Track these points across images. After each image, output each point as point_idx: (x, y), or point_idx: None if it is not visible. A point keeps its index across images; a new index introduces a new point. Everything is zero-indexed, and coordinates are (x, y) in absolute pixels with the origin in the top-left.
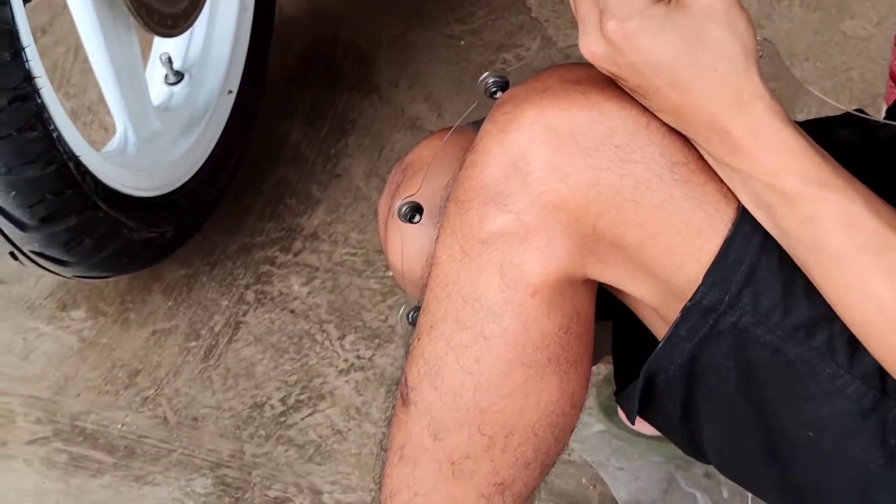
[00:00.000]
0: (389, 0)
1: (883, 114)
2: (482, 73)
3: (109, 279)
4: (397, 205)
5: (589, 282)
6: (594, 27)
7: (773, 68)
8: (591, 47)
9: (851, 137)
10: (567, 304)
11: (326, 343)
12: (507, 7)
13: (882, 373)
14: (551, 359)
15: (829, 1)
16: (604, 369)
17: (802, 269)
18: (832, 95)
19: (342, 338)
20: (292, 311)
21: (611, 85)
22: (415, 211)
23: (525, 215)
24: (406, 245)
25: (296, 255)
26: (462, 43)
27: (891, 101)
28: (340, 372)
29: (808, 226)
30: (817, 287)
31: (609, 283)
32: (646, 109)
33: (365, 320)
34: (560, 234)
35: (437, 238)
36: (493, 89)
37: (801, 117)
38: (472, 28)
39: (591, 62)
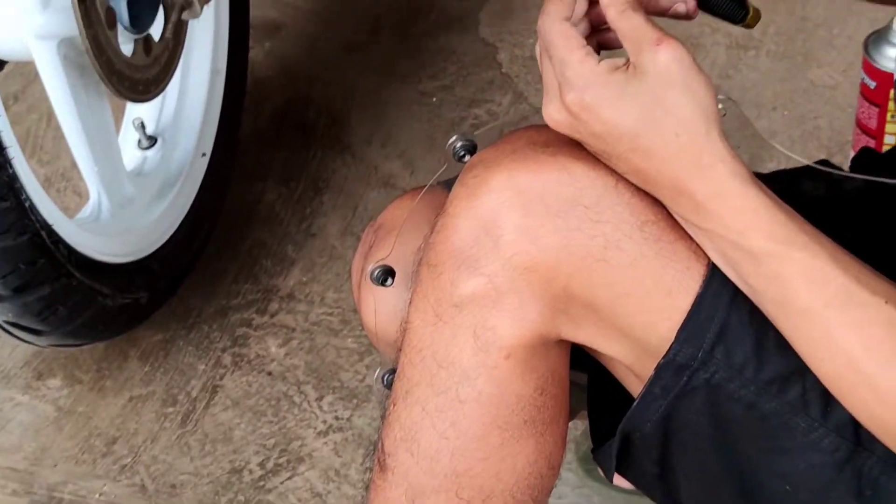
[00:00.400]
0: (361, 59)
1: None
2: (455, 130)
3: (85, 346)
4: (369, 268)
5: (562, 342)
6: (556, 96)
7: (736, 124)
8: (553, 116)
9: (816, 190)
10: (541, 366)
11: (304, 405)
12: (478, 63)
13: (856, 424)
14: (527, 421)
15: (795, 50)
16: (580, 424)
17: (773, 323)
18: (800, 144)
19: (320, 399)
20: (269, 374)
21: (579, 146)
22: (387, 274)
23: (497, 278)
24: (379, 307)
25: (272, 316)
26: (434, 100)
27: (857, 149)
28: (319, 433)
29: (775, 283)
30: (788, 341)
31: (582, 342)
32: (614, 170)
33: (342, 380)
34: (532, 295)
35: (409, 302)
36: (461, 153)
37: (773, 166)
38: (444, 84)
39: (554, 129)
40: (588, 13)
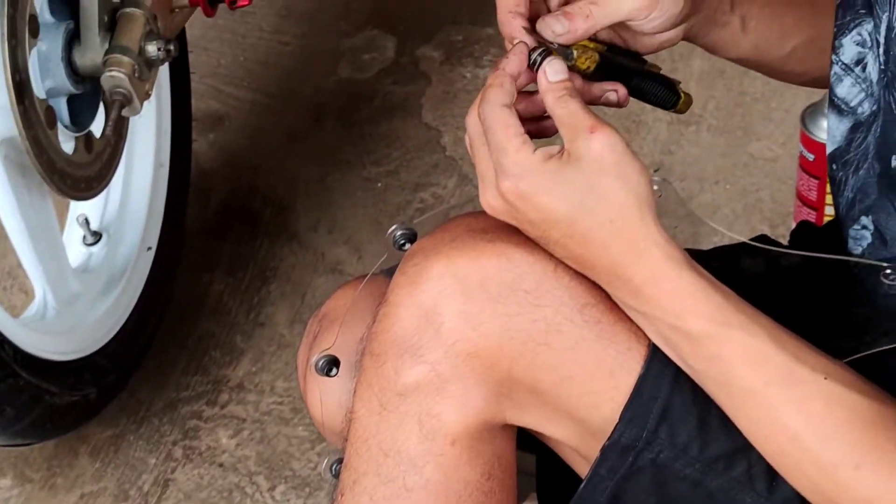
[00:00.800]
0: (305, 146)
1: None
2: (401, 214)
3: (34, 445)
4: (314, 359)
5: (508, 426)
6: (492, 183)
7: (672, 205)
8: (490, 203)
9: (754, 266)
10: (487, 451)
11: (257, 495)
12: (422, 147)
13: (801, 499)
14: None
15: (735, 124)
16: None
17: (715, 402)
18: (743, 217)
19: (272, 489)
20: (221, 465)
21: (517, 232)
22: (332, 364)
23: (440, 365)
24: (325, 397)
25: (222, 407)
26: (379, 185)
27: (798, 220)
28: None
29: (715, 364)
30: (731, 420)
31: (527, 426)
32: (553, 254)
33: (294, 469)
34: (476, 381)
35: (354, 392)
36: (402, 241)
37: (717, 240)
38: (389, 170)
39: (491, 215)
40: (526, 102)
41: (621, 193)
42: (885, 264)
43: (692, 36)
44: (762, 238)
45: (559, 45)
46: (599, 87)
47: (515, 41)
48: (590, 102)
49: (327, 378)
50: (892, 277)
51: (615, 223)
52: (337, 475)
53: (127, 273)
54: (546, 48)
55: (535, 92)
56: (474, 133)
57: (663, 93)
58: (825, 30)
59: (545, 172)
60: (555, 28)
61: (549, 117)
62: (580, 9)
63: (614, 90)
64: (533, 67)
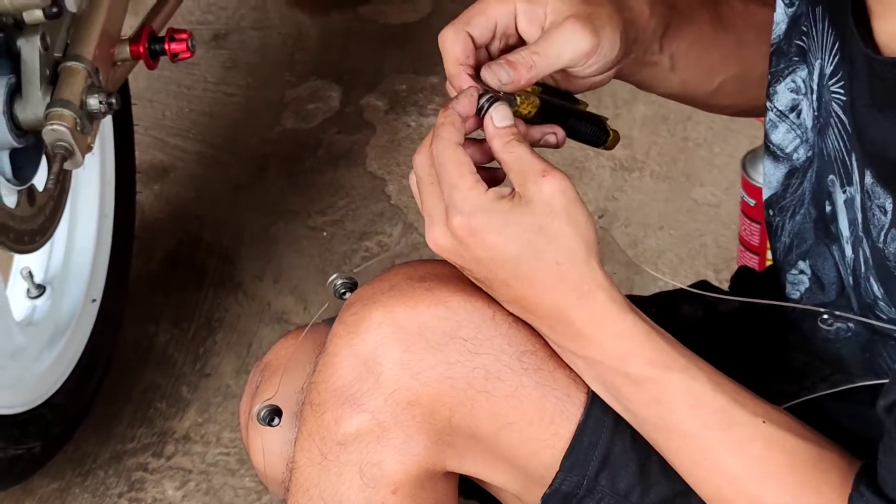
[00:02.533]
0: (250, 197)
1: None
2: (346, 262)
3: None
4: (256, 409)
5: (449, 474)
6: (440, 221)
7: (609, 253)
8: (438, 241)
9: (694, 312)
10: (429, 499)
11: None
12: (367, 196)
13: None
14: None
15: (678, 170)
16: None
17: (655, 447)
18: (688, 262)
19: None
20: None
21: (456, 279)
22: (274, 414)
23: (380, 414)
24: (267, 447)
25: (168, 458)
26: (325, 234)
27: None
28: None
29: (655, 407)
30: (671, 464)
31: (469, 473)
32: (491, 301)
33: None
34: (416, 429)
35: (295, 442)
36: (342, 290)
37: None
38: (334, 219)
39: (437, 253)
40: (474, 148)
41: (570, 237)
42: (822, 309)
43: (623, 75)
44: (702, 284)
45: (503, 92)
46: (539, 130)
47: (465, 87)
48: (532, 145)
49: (269, 428)
50: (829, 322)
51: (562, 266)
52: None
53: (72, 325)
54: (494, 95)
55: (483, 140)
56: (423, 172)
57: (595, 132)
58: (751, 65)
59: (497, 211)
60: (500, 77)
61: (494, 165)
62: (523, 59)
63: (553, 133)
64: (479, 113)
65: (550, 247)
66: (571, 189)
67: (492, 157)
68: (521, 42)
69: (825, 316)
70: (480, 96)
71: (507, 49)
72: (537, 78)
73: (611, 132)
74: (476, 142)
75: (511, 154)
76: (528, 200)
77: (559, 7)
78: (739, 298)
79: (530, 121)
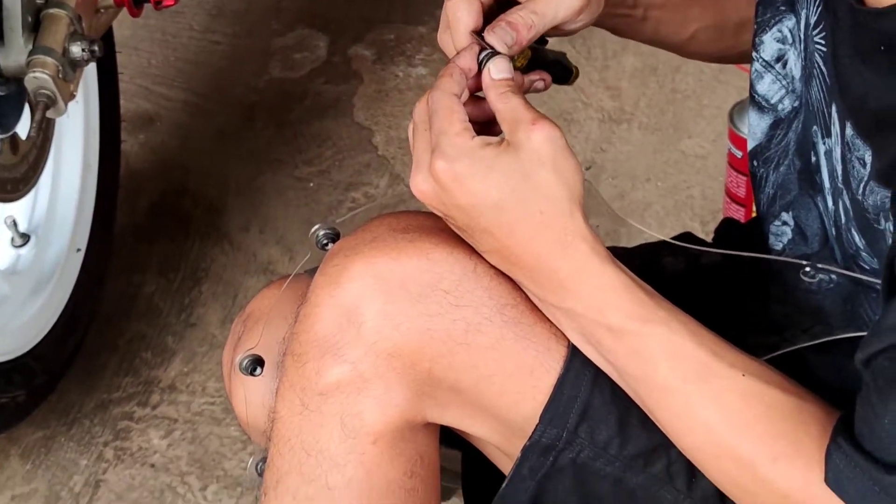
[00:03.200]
0: (237, 147)
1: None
2: (332, 213)
3: None
4: (238, 358)
5: (430, 424)
6: (425, 167)
7: (593, 206)
8: (420, 186)
9: (676, 265)
10: (409, 449)
11: (188, 495)
12: (354, 147)
13: (720, 494)
14: None
15: (666, 122)
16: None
17: (634, 399)
18: (674, 214)
19: (204, 489)
20: (153, 466)
21: (439, 231)
22: (256, 364)
23: (361, 365)
24: (249, 396)
25: (154, 408)
26: (311, 185)
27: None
28: None
29: (635, 360)
30: (650, 416)
31: (449, 424)
32: (473, 253)
33: (226, 469)
34: (396, 380)
35: (276, 392)
36: (325, 241)
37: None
38: (320, 169)
39: (419, 199)
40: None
41: (554, 186)
42: (804, 262)
43: (594, 23)
44: (686, 235)
45: None
46: (528, 79)
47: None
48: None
49: (251, 378)
50: (811, 274)
51: (545, 215)
52: (262, 474)
53: (56, 275)
54: (492, 50)
55: (484, 99)
56: (419, 119)
57: (562, 70)
58: (728, 14)
59: (481, 157)
60: (506, 40)
61: (495, 123)
62: (523, 19)
63: (541, 79)
64: (480, 67)
65: (534, 195)
66: (561, 138)
67: (490, 117)
68: None
69: (807, 268)
70: (481, 51)
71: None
72: (536, 37)
73: (573, 68)
74: (478, 100)
75: (505, 104)
76: (516, 148)
77: None
78: (721, 251)
79: (522, 72)
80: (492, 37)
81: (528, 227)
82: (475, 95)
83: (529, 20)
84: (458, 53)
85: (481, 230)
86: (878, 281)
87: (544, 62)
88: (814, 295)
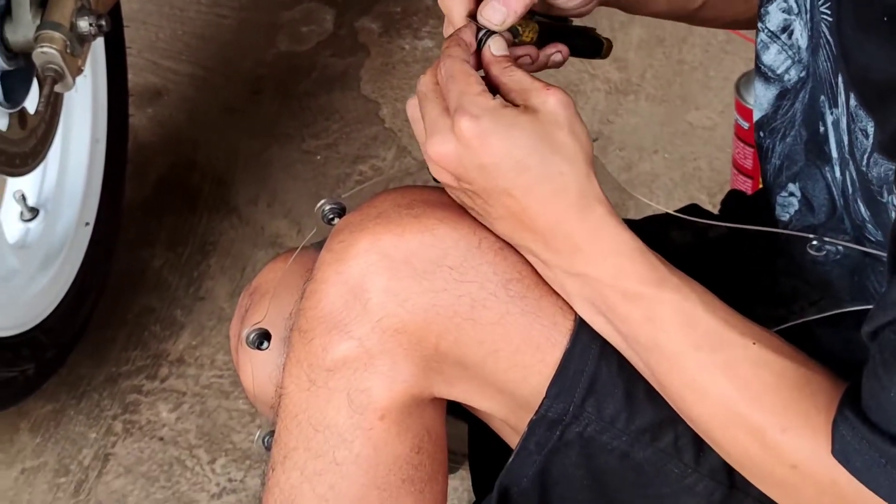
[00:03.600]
0: (244, 120)
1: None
2: (340, 187)
3: None
4: (245, 332)
5: (437, 399)
6: (444, 128)
7: (598, 177)
8: (439, 148)
9: (683, 238)
10: (416, 424)
11: (197, 468)
12: (361, 119)
13: (728, 468)
14: (405, 480)
15: (673, 93)
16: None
17: (643, 372)
18: (682, 185)
19: (213, 461)
20: (161, 439)
21: (444, 206)
22: (263, 338)
23: (367, 341)
24: (256, 370)
25: (162, 381)
26: (318, 158)
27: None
28: (213, 496)
29: (647, 326)
30: (659, 388)
31: (456, 399)
32: (478, 228)
33: (235, 442)
34: (403, 356)
35: (283, 368)
36: (331, 216)
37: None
38: (328, 142)
39: (436, 164)
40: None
41: (572, 148)
42: (811, 235)
43: (606, 2)
44: (692, 207)
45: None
46: (543, 53)
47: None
48: (539, 68)
49: (258, 351)
50: (817, 247)
51: (564, 176)
52: (269, 448)
53: (65, 249)
54: (489, 30)
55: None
56: (427, 89)
57: (591, 44)
58: None
59: (504, 116)
60: (495, 18)
61: None
62: None
63: (558, 51)
64: (479, 45)
65: (555, 157)
66: (573, 104)
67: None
68: None
69: (814, 241)
70: (479, 30)
71: None
72: (529, 6)
73: (604, 41)
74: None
75: (511, 77)
76: (534, 110)
77: None
78: (728, 224)
79: (534, 45)
80: (483, 18)
81: (548, 188)
82: None
83: None
84: (458, 29)
85: (500, 191)
86: (884, 253)
87: (564, 37)
88: (821, 267)
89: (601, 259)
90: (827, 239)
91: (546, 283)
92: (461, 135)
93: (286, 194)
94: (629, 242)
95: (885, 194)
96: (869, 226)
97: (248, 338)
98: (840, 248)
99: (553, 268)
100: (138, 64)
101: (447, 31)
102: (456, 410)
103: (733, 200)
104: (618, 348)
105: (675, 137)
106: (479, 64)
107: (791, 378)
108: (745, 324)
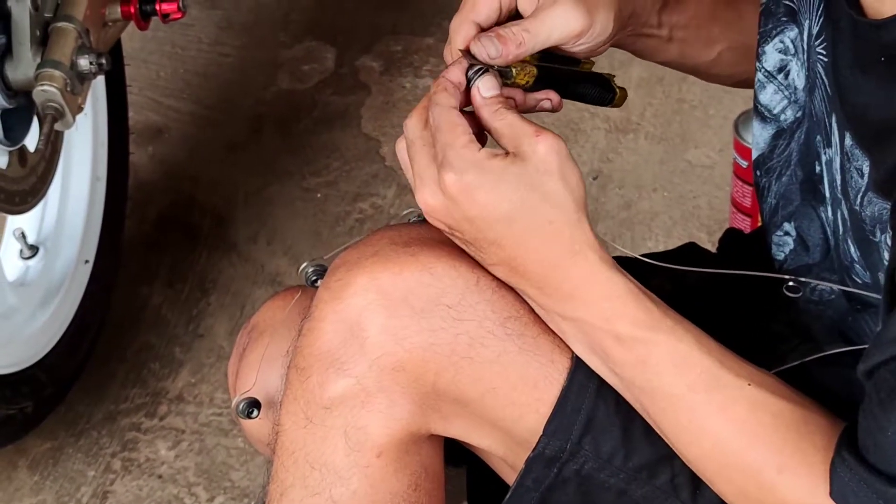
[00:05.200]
0: (245, 158)
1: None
2: (340, 225)
3: None
4: (234, 402)
5: (434, 437)
6: (432, 180)
7: (603, 212)
8: (428, 201)
9: (663, 285)
10: (414, 462)
11: None
12: (361, 157)
13: None
14: None
15: (672, 132)
16: None
17: (639, 411)
18: (681, 224)
19: (211, 500)
20: (160, 477)
21: (440, 244)
22: (252, 406)
23: (365, 379)
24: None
25: (161, 419)
26: (318, 195)
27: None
28: None
29: (641, 369)
30: (655, 427)
31: (454, 436)
32: (475, 266)
33: (233, 480)
34: (400, 394)
35: (280, 405)
36: (314, 277)
37: (651, 246)
38: (328, 180)
39: (427, 214)
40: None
41: (562, 195)
42: (787, 276)
43: (619, 45)
44: (690, 247)
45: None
46: (533, 98)
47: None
48: (526, 111)
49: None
50: (793, 289)
51: (554, 224)
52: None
53: (64, 286)
54: (481, 66)
55: (473, 113)
56: (414, 135)
57: (599, 92)
58: (751, 35)
59: (490, 169)
60: (489, 51)
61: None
62: (513, 34)
63: (548, 98)
64: (469, 83)
65: (543, 205)
66: (564, 149)
67: (481, 128)
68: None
69: (790, 283)
70: (470, 67)
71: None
72: (526, 55)
73: (617, 90)
74: (468, 114)
75: (501, 121)
76: (523, 159)
77: None
78: (693, 269)
79: (529, 89)
80: (476, 45)
81: (538, 237)
82: (463, 110)
83: (520, 37)
84: (447, 68)
85: (490, 242)
86: (869, 294)
87: (572, 82)
88: (815, 305)
89: (594, 304)
90: (803, 279)
91: (543, 322)
92: (446, 190)
93: (286, 232)
94: (622, 286)
95: (878, 233)
96: (857, 266)
97: (237, 407)
98: (833, 288)
99: (548, 311)
100: (139, 102)
101: (447, 54)
102: (454, 450)
103: (731, 239)
104: (615, 387)
105: (674, 176)
106: (469, 100)
107: (788, 418)
108: (740, 364)
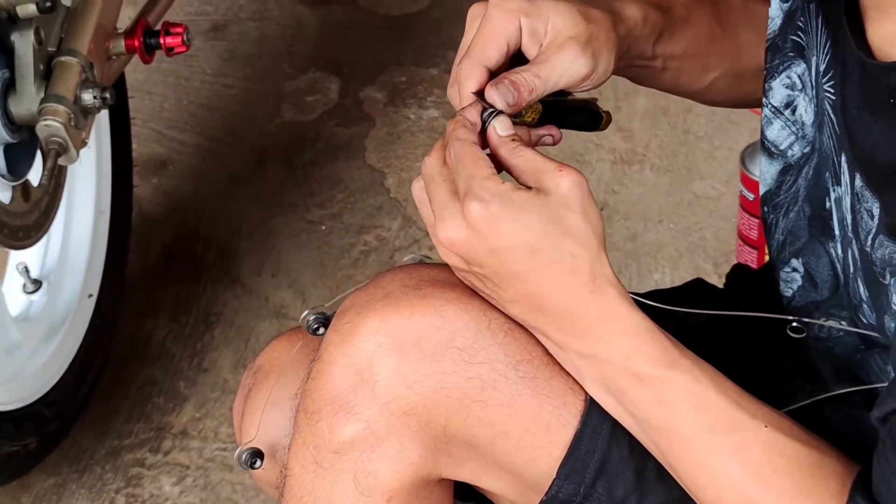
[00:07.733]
0: (249, 190)
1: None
2: (345, 256)
3: None
4: (237, 453)
5: (445, 480)
6: (454, 213)
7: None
8: (450, 233)
9: (667, 324)
10: None
11: None
12: (366, 189)
13: None
14: None
15: (678, 163)
16: None
17: (654, 452)
18: (687, 256)
19: None
20: None
21: (452, 286)
22: (255, 457)
23: (375, 423)
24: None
25: (166, 454)
26: (323, 227)
27: (740, 259)
28: None
29: (658, 408)
30: (670, 469)
31: (465, 480)
32: (488, 308)
33: None
34: (411, 438)
35: (289, 449)
36: (315, 326)
37: (657, 279)
38: (333, 212)
39: (445, 249)
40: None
41: (584, 231)
42: (790, 317)
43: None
44: (697, 282)
45: None
46: (537, 134)
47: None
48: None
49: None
50: (798, 329)
51: (576, 258)
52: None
53: (68, 321)
54: (495, 109)
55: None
56: (433, 172)
57: (589, 119)
58: (747, 61)
59: (513, 200)
60: (507, 99)
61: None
62: (525, 81)
63: (550, 134)
64: (484, 124)
65: (566, 239)
66: (586, 184)
67: (498, 168)
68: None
69: (794, 324)
70: (484, 110)
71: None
72: (536, 100)
73: (603, 115)
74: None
75: (520, 158)
76: (546, 193)
77: (559, 26)
78: (692, 311)
79: (533, 125)
80: (493, 93)
81: (559, 271)
82: None
83: (532, 83)
84: (462, 108)
85: (510, 275)
86: (875, 334)
87: (565, 113)
88: (824, 342)
89: (612, 340)
90: (806, 320)
91: (556, 363)
92: (471, 220)
93: (291, 264)
94: (640, 324)
95: (888, 276)
96: (865, 306)
97: (240, 458)
98: (837, 327)
99: (565, 349)
100: (143, 134)
101: (454, 97)
102: (465, 493)
103: (738, 276)
104: (629, 429)
105: (680, 207)
106: (485, 142)
107: (802, 462)
108: (756, 406)
